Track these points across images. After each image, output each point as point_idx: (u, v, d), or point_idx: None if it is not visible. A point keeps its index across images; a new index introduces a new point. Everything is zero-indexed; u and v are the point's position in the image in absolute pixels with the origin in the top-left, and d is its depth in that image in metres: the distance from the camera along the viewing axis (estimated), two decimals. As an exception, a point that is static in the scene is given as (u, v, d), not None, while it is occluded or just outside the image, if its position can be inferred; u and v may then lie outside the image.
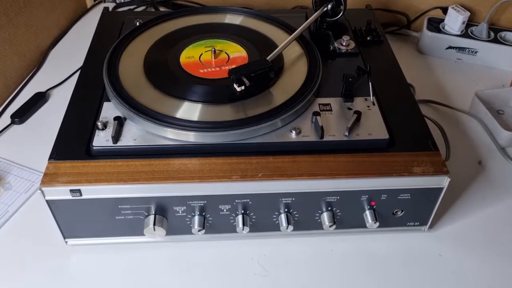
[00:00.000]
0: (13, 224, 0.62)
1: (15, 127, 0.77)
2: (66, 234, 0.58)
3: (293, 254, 0.59)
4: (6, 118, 0.77)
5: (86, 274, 0.57)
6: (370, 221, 0.57)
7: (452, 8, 0.90)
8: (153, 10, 1.04)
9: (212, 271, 0.58)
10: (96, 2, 1.09)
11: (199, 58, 0.66)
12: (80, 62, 0.71)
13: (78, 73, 0.69)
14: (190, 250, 0.60)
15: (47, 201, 0.53)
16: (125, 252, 0.59)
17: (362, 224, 0.58)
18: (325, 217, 0.57)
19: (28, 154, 0.72)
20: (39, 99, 0.81)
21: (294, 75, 0.64)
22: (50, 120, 0.77)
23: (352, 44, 0.71)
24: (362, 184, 0.54)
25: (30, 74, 0.87)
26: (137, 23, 0.74)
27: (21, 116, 0.77)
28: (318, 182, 0.54)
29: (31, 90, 0.83)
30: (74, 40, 0.97)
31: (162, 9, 1.04)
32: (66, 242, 0.59)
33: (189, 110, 0.58)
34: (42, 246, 0.60)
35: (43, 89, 0.83)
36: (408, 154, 0.56)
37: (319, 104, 0.61)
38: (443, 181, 0.55)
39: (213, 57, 0.66)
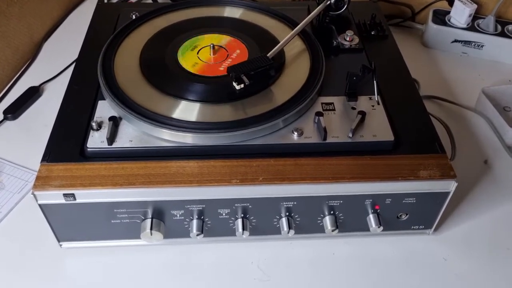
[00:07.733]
0: (6, 226, 0.61)
1: (7, 123, 0.75)
2: (60, 237, 0.56)
3: (294, 258, 0.58)
4: (-1, 114, 0.75)
5: (81, 277, 0.56)
6: (373, 225, 0.55)
7: (459, 0, 0.87)
8: (151, 1, 1.01)
9: (210, 276, 0.56)
10: (92, -9, 1.06)
11: (197, 54, 0.63)
12: (75, 54, 0.68)
13: (72, 66, 0.66)
14: (188, 253, 0.58)
15: (40, 205, 0.51)
16: (121, 255, 0.58)
17: (365, 227, 0.57)
18: (328, 221, 0.55)
19: (22, 152, 0.69)
20: (32, 94, 0.78)
21: (296, 73, 0.62)
22: (44, 115, 0.75)
23: (356, 40, 0.69)
24: (366, 188, 0.53)
25: (24, 68, 0.85)
26: (133, 16, 0.72)
27: (14, 111, 0.75)
28: (320, 186, 0.52)
29: (24, 84, 0.81)
30: (69, 31, 0.94)
31: (159, -1, 1.01)
32: (60, 245, 0.57)
33: (187, 110, 0.56)
34: (36, 248, 0.58)
35: (36, 83, 0.81)
36: (414, 156, 0.54)
37: (322, 104, 0.59)
38: (450, 186, 0.53)
39: (211, 53, 0.63)
